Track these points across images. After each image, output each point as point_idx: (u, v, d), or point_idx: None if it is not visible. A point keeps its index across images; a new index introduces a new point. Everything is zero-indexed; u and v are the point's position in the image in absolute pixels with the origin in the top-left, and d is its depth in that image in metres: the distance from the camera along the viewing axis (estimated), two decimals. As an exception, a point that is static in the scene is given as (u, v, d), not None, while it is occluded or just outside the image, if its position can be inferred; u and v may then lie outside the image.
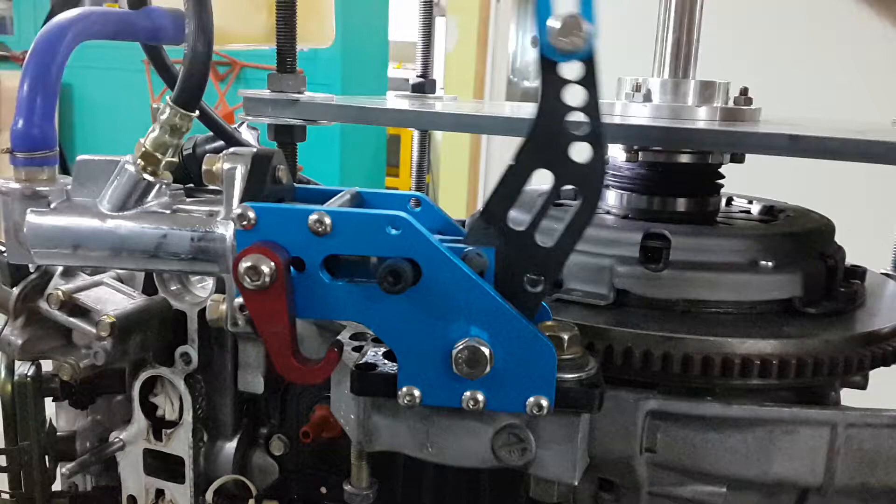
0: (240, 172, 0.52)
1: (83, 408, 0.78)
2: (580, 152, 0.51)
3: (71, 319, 0.69)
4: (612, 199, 0.76)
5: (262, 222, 0.49)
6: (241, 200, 0.52)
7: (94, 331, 0.67)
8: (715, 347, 0.58)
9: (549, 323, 0.55)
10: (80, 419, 0.79)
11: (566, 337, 0.54)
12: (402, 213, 0.50)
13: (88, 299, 0.70)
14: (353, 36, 3.49)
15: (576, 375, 0.53)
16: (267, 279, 0.48)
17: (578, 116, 0.50)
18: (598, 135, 0.50)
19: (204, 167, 0.52)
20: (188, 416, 0.73)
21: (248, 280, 0.48)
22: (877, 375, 0.70)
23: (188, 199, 0.60)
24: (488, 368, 0.50)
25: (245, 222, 0.49)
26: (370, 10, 4.01)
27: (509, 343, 0.51)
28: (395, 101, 0.83)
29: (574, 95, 0.50)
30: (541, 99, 0.50)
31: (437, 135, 3.72)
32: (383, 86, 4.94)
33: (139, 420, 0.75)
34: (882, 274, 0.84)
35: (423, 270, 0.50)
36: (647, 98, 0.74)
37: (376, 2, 4.23)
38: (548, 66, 0.49)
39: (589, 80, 0.50)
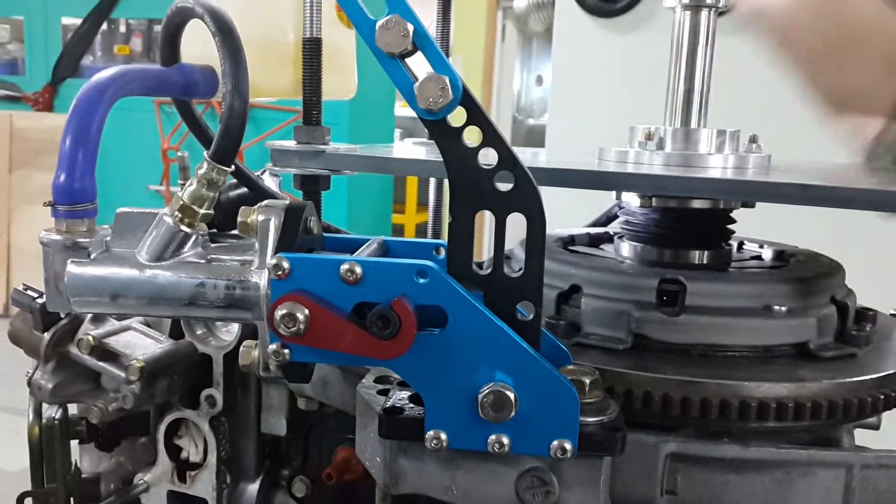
0: (273, 224, 0.54)
1: (108, 450, 0.79)
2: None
3: (101, 364, 0.71)
4: (626, 247, 0.78)
5: (295, 272, 0.51)
6: (276, 251, 0.54)
7: (123, 375, 0.69)
8: (732, 391, 0.59)
9: (570, 367, 0.57)
10: (104, 461, 0.81)
11: (587, 381, 0.55)
12: (429, 263, 0.52)
13: (118, 344, 0.72)
14: (360, 76, 3.56)
15: (597, 419, 0.54)
16: (302, 326, 0.50)
17: (487, 151, 0.53)
18: (510, 159, 0.53)
19: (239, 219, 0.55)
20: (212, 458, 0.74)
21: (284, 327, 0.50)
22: (890, 416, 0.71)
23: (213, 245, 0.62)
24: (513, 412, 0.52)
25: (280, 272, 0.51)
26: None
27: (533, 387, 0.52)
28: (414, 149, 0.86)
29: (472, 135, 0.53)
30: (444, 154, 0.53)
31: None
32: (391, 124, 5.01)
33: (163, 462, 0.76)
34: (891, 315, 0.85)
35: (449, 317, 0.52)
36: (660, 146, 0.76)
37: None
38: (434, 125, 0.52)
39: (477, 117, 0.52)
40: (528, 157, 0.89)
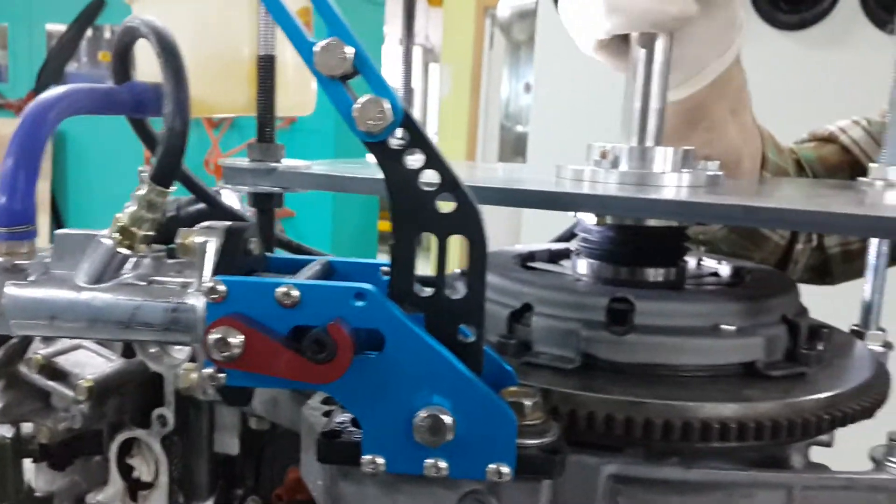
0: (212, 246, 0.54)
1: (61, 469, 0.79)
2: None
3: (49, 383, 0.70)
4: (582, 265, 0.78)
5: (232, 295, 0.51)
6: (214, 273, 0.54)
7: (72, 394, 0.69)
8: (676, 412, 0.59)
9: (513, 389, 0.57)
10: (57, 480, 0.80)
11: (528, 403, 0.55)
12: (367, 286, 0.52)
13: (67, 363, 0.71)
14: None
15: (537, 441, 0.54)
16: (236, 350, 0.50)
17: (428, 173, 0.53)
18: (451, 180, 0.53)
19: (177, 241, 0.54)
20: (164, 478, 0.74)
21: (217, 351, 0.50)
22: (846, 431, 0.71)
23: (170, 262, 0.62)
24: (450, 436, 0.52)
25: (215, 295, 0.51)
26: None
27: (471, 411, 0.52)
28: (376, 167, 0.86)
29: (413, 158, 0.53)
30: (385, 175, 0.53)
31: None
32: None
33: (116, 482, 0.76)
34: (850, 332, 0.86)
35: (387, 341, 0.52)
36: (614, 165, 0.76)
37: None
38: (374, 147, 0.52)
39: (417, 139, 0.53)
40: (480, 174, 0.90)
